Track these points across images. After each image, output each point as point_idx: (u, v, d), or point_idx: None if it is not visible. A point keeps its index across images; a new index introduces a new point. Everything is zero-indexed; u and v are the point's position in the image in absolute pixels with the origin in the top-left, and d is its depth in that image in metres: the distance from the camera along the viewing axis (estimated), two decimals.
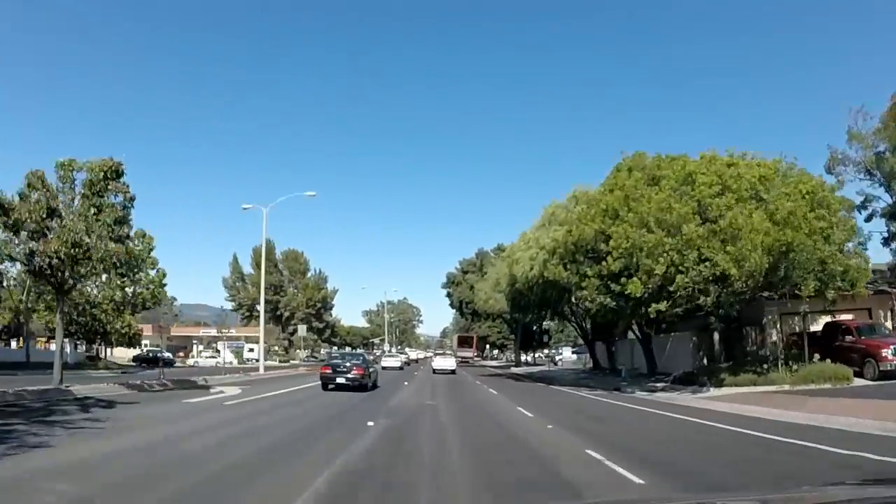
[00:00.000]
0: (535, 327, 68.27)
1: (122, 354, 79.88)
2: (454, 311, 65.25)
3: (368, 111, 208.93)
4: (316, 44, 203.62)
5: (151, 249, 63.55)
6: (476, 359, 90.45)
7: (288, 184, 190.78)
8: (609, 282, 26.00)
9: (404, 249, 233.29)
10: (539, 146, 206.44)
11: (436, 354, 65.26)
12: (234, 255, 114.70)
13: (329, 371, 24.34)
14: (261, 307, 43.54)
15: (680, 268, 23.62)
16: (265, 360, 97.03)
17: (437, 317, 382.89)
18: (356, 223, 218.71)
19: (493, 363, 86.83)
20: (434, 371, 48.23)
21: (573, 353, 64.89)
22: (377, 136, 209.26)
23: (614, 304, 25.96)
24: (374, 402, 19.66)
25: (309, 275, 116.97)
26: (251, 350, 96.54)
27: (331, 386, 23.66)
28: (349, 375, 23.62)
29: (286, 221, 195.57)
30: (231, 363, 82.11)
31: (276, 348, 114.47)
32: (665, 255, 23.67)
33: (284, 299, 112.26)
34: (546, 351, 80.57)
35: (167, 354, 79.48)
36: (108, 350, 72.89)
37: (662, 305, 23.49)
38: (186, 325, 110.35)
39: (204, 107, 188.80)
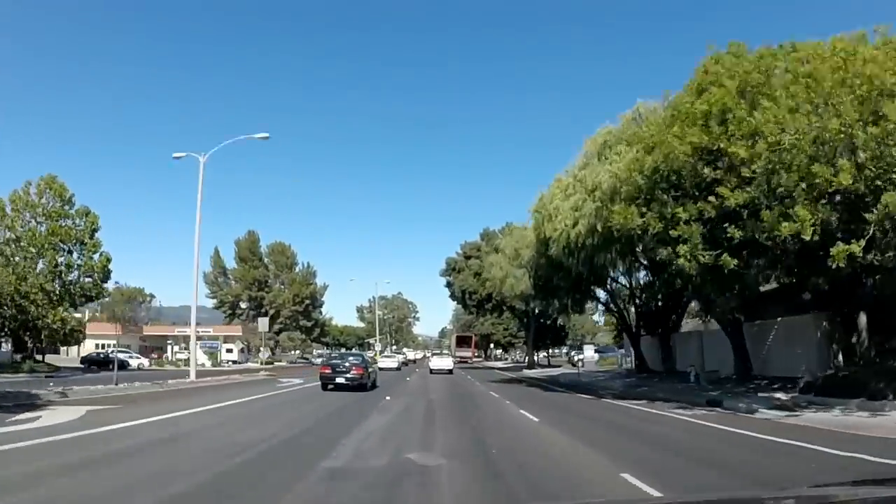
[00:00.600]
0: (549, 321, 57.45)
1: (73, 354, 69.08)
2: (455, 303, 54.24)
3: (352, 85, 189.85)
4: (304, 20, 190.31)
5: (95, 230, 51.99)
6: (476, 359, 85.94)
7: (274, 166, 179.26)
8: (726, 225, 15.06)
9: (399, 241, 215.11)
10: (551, 107, 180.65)
11: (433, 355, 63.34)
12: (216, 249, 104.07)
13: (328, 371, 23.79)
14: (194, 285, 32.39)
15: (878, 182, 12.71)
16: (249, 361, 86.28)
17: (434, 319, 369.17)
18: (347, 216, 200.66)
19: (499, 364, 76.02)
20: (431, 371, 45.71)
21: (596, 351, 53.94)
22: (364, 114, 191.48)
23: (734, 262, 14.94)
24: (288, 465, 8.54)
25: (297, 269, 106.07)
26: (229, 351, 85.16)
27: (330, 386, 22.99)
28: (349, 375, 23.04)
29: (273, 214, 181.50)
30: (203, 365, 71.99)
31: (262, 349, 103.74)
32: (851, 157, 12.77)
33: (269, 295, 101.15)
34: (562, 350, 69.91)
35: (124, 355, 69.04)
36: (55, 348, 61.77)
37: (856, 247, 12.48)
38: (164, 325, 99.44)
39: (187, 108, 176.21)
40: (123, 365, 57.78)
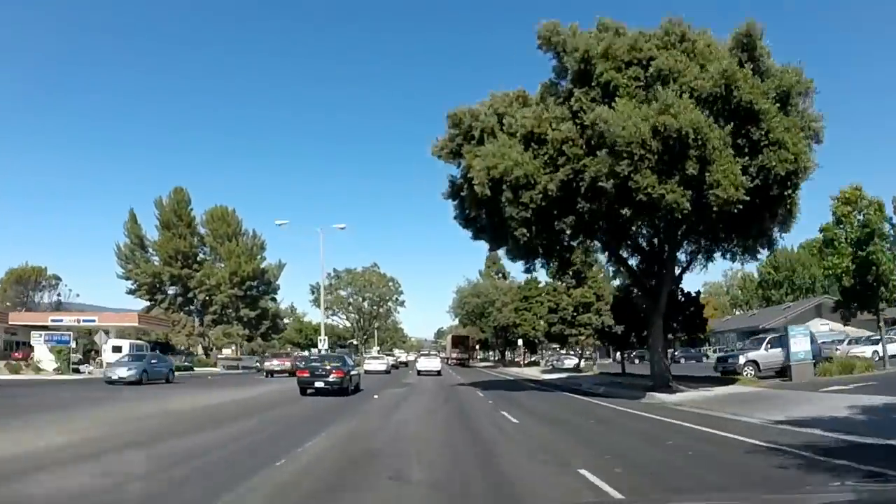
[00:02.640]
0: (677, 283, 26.72)
1: None
2: (463, 228, 22.09)
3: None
4: None
5: None
6: (482, 362, 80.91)
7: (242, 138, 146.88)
8: None
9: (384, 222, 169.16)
10: None
11: (420, 355, 61.13)
12: (131, 212, 72.60)
13: (307, 375, 22.25)
14: None
15: None
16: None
17: (429, 320, 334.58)
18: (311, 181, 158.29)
19: (536, 373, 45.67)
20: (419, 372, 43.23)
21: (772, 348, 23.51)
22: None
23: None
24: None
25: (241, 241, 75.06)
26: (117, 349, 52.58)
27: (309, 391, 21.63)
28: (328, 379, 21.59)
29: (219, 178, 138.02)
30: (42, 369, 42.29)
31: (189, 347, 72.75)
32: None
33: (199, 274, 70.15)
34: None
35: None
36: None
37: None
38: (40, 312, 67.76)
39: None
40: None
